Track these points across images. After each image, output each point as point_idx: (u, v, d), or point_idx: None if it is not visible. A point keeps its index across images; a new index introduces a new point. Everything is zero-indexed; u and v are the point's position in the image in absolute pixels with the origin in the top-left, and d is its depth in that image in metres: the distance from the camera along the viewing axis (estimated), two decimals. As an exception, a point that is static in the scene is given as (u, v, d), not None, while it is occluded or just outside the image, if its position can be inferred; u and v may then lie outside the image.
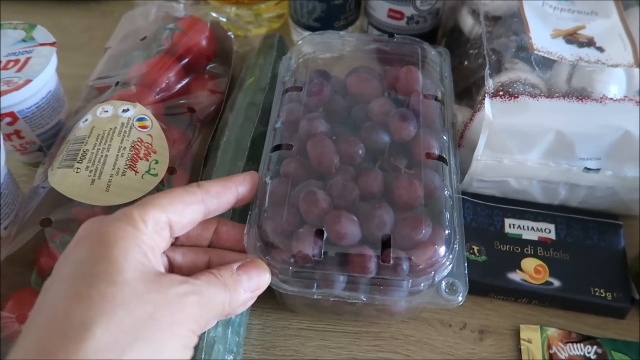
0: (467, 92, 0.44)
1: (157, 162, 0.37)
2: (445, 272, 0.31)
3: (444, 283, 0.31)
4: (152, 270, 0.25)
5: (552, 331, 0.37)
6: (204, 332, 0.32)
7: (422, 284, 0.31)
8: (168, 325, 0.23)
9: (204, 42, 0.46)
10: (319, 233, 0.31)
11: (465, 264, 0.32)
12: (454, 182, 0.35)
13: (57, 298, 0.23)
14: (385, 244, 0.31)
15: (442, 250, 0.31)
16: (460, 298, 0.31)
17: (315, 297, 0.31)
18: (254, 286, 0.29)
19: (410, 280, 0.31)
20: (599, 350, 0.36)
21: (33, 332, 0.22)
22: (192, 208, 0.28)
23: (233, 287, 0.28)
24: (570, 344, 0.37)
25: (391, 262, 0.30)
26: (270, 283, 0.31)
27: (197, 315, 0.25)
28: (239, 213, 0.37)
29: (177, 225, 0.28)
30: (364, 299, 0.31)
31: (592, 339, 0.37)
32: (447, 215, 0.33)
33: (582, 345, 0.37)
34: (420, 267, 0.31)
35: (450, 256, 0.31)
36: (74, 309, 0.22)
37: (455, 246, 0.32)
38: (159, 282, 0.24)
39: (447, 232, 0.32)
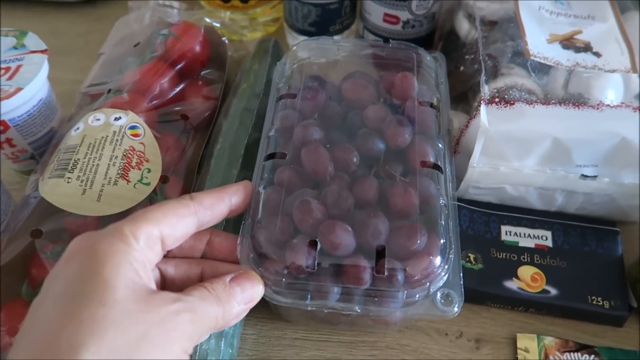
0: (464, 97, 0.44)
1: (149, 170, 0.37)
2: (441, 283, 0.31)
3: (439, 294, 0.31)
4: (144, 288, 0.24)
5: (549, 340, 0.37)
6: (197, 345, 0.31)
7: (417, 295, 0.31)
8: (160, 345, 0.23)
9: (197, 48, 0.46)
10: (313, 243, 0.30)
11: (461, 274, 0.31)
12: (449, 190, 0.34)
13: (46, 319, 0.22)
14: (380, 254, 0.30)
15: (438, 260, 0.31)
16: (456, 309, 0.31)
17: (309, 308, 0.31)
18: (247, 298, 0.29)
19: (405, 292, 0.30)
20: (597, 359, 0.36)
21: (22, 353, 0.22)
22: (185, 221, 0.28)
23: (226, 300, 0.27)
24: (568, 353, 0.36)
25: (386, 273, 0.30)
26: (264, 294, 0.31)
27: (190, 333, 0.25)
28: (232, 223, 0.36)
29: (169, 239, 0.27)
30: (359, 311, 0.31)
31: (589, 348, 0.37)
32: (443, 224, 0.32)
33: (579, 354, 0.36)
34: (416, 277, 0.30)
35: (446, 266, 0.31)
36: (64, 331, 0.21)
37: (450, 256, 0.32)
38: (150, 301, 0.24)
39: (442, 241, 0.31)
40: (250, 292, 0.29)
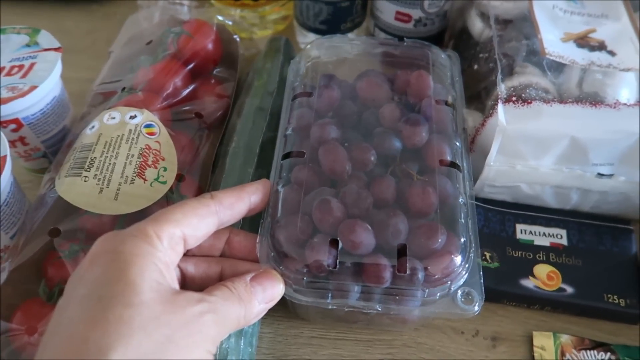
0: (477, 96, 0.44)
1: (165, 169, 0.37)
2: (461, 282, 0.31)
3: (459, 292, 0.31)
4: (168, 289, 0.24)
5: (565, 338, 0.37)
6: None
7: (438, 294, 0.31)
8: (186, 347, 0.23)
9: (210, 46, 0.46)
10: (334, 242, 0.30)
11: (481, 273, 0.31)
12: (467, 188, 0.34)
13: (73, 321, 0.22)
14: (401, 252, 0.30)
15: (458, 259, 0.31)
16: (476, 308, 0.31)
17: (330, 307, 0.31)
18: (268, 297, 0.29)
19: (426, 290, 0.30)
20: (613, 357, 0.36)
21: (49, 353, 0.22)
22: (206, 221, 0.28)
23: (247, 300, 0.27)
24: (584, 351, 0.36)
25: (407, 271, 0.30)
26: (284, 293, 0.31)
27: (213, 334, 0.25)
28: (248, 221, 0.36)
29: (191, 239, 0.27)
30: (379, 309, 0.31)
31: (605, 346, 0.37)
32: (463, 222, 0.32)
33: (595, 352, 0.36)
34: (436, 276, 0.30)
35: (467, 265, 0.31)
36: (91, 334, 0.21)
37: (471, 254, 0.32)
38: (175, 302, 0.24)
39: (462, 240, 0.31)
40: (271, 291, 0.29)
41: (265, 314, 0.37)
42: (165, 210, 0.27)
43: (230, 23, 0.51)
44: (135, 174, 0.35)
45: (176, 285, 0.26)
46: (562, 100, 0.38)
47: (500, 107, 0.37)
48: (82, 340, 0.21)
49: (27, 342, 0.31)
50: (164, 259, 0.25)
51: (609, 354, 0.36)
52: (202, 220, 0.28)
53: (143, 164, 0.36)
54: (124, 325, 0.22)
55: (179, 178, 0.38)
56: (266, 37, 0.54)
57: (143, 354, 0.22)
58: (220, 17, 0.49)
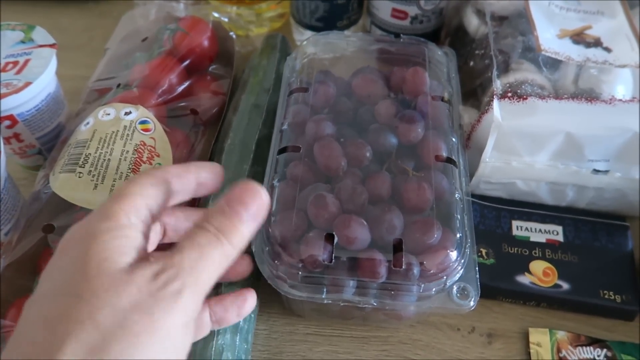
0: (473, 92, 0.44)
1: (160, 165, 0.37)
2: (457, 277, 0.31)
3: (455, 288, 0.31)
4: (124, 269, 0.22)
5: (561, 334, 0.37)
6: (212, 340, 0.31)
7: (434, 289, 0.31)
8: (145, 333, 0.21)
9: (206, 43, 0.46)
10: (329, 237, 0.30)
11: (476, 268, 0.31)
12: (463, 184, 0.34)
13: (33, 317, 0.22)
14: (397, 248, 0.30)
15: (454, 254, 0.31)
16: (472, 303, 0.31)
17: (325, 302, 0.31)
18: (254, 214, 0.25)
19: (422, 285, 0.30)
20: (609, 354, 0.36)
21: (12, 353, 0.21)
22: (160, 188, 0.26)
23: (230, 228, 0.24)
24: (580, 347, 0.36)
25: (403, 266, 0.29)
26: (279, 289, 0.31)
27: (184, 305, 0.22)
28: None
29: (154, 208, 0.26)
30: (375, 304, 0.31)
31: (601, 342, 0.37)
32: (459, 218, 0.32)
33: (591, 348, 0.36)
34: (432, 271, 0.30)
35: (462, 260, 0.31)
36: (45, 331, 0.21)
37: (466, 250, 0.32)
38: (129, 282, 0.22)
39: (458, 235, 0.31)
40: (255, 204, 0.25)
41: (260, 311, 0.38)
42: (125, 185, 0.25)
43: (226, 20, 0.51)
44: (130, 170, 0.35)
45: (145, 254, 0.24)
46: (557, 96, 0.38)
47: (495, 103, 0.37)
48: (37, 337, 0.21)
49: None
50: (131, 233, 0.23)
51: (605, 350, 0.36)
52: (157, 189, 0.26)
53: (138, 160, 0.36)
54: (71, 321, 0.20)
55: (174, 174, 0.37)
56: (262, 34, 0.54)
57: (93, 349, 0.20)
58: (216, 14, 0.49)
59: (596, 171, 0.38)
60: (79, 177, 0.34)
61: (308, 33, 0.53)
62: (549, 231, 0.40)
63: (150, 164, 0.36)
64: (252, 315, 0.35)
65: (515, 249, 0.39)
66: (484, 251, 0.39)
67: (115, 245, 0.23)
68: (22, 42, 0.41)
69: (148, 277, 0.22)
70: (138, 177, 0.26)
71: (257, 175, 0.38)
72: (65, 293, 0.22)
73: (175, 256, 0.23)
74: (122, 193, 0.25)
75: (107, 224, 0.23)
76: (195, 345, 0.31)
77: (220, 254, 0.24)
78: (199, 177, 0.28)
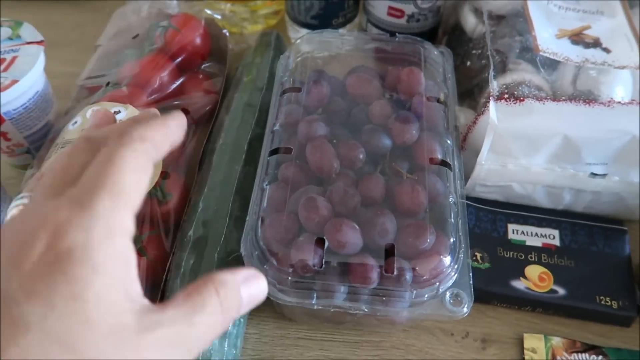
0: (469, 93, 0.43)
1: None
2: (450, 283, 0.30)
3: (448, 294, 0.30)
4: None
5: (556, 340, 0.36)
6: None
7: (426, 295, 0.30)
8: None
9: (198, 40, 0.45)
10: (320, 241, 0.29)
11: (470, 274, 0.31)
12: (458, 187, 0.34)
13: None
14: (389, 252, 0.30)
15: (447, 260, 0.30)
16: (465, 309, 0.30)
17: (315, 307, 0.30)
18: (251, 303, 0.23)
19: (414, 291, 0.30)
20: (605, 360, 0.36)
21: None
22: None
23: (234, 309, 0.22)
24: (575, 354, 0.36)
25: (395, 272, 0.29)
26: (268, 293, 0.30)
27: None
28: (234, 219, 0.36)
29: None
30: (366, 310, 0.30)
31: (597, 348, 0.36)
32: (452, 222, 0.31)
33: (587, 354, 0.36)
34: (425, 277, 0.30)
35: (456, 266, 0.30)
36: None
37: (460, 255, 0.31)
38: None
39: (452, 240, 0.31)
40: (256, 295, 0.23)
41: (251, 314, 0.37)
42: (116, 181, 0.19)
43: (219, 17, 0.50)
44: (118, 171, 0.35)
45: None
46: (555, 98, 0.37)
47: (492, 104, 0.36)
48: None
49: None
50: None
51: (600, 356, 0.36)
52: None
53: (126, 160, 0.35)
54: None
55: (164, 175, 0.37)
56: (257, 32, 0.53)
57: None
58: (208, 11, 0.48)
59: (594, 175, 0.37)
60: (66, 177, 0.34)
61: (303, 31, 0.52)
62: (545, 235, 0.39)
63: (139, 164, 0.36)
64: (242, 320, 0.34)
65: (511, 253, 0.38)
66: (479, 255, 0.38)
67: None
68: (10, 38, 0.40)
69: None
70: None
71: (249, 175, 0.37)
72: None
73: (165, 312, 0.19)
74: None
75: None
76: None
77: (216, 326, 0.21)
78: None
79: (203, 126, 0.43)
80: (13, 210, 0.25)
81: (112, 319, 0.18)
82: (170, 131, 0.22)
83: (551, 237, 0.39)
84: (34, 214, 0.19)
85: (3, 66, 0.38)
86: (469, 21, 0.45)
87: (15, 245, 0.18)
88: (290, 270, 0.30)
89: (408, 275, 0.29)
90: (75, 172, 0.20)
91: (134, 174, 0.20)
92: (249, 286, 0.22)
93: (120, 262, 0.19)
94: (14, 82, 0.37)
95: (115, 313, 0.18)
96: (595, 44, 0.40)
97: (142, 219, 0.34)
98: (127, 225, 0.19)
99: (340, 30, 0.52)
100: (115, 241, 0.19)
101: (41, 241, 0.18)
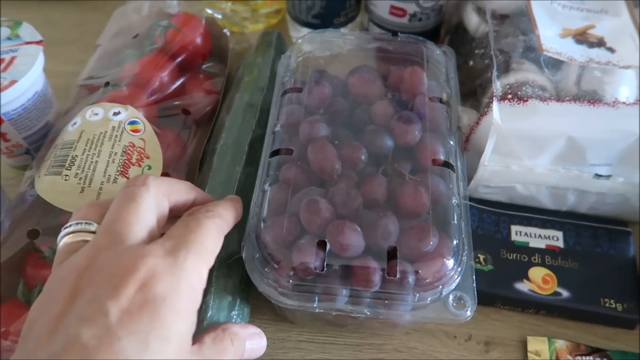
0: (472, 93, 0.42)
1: (150, 167, 0.36)
2: (453, 285, 0.30)
3: (451, 297, 0.30)
4: None
5: (560, 343, 0.36)
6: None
7: (429, 298, 0.30)
8: None
9: (199, 40, 0.45)
10: (321, 244, 0.29)
11: (474, 277, 0.30)
12: (461, 189, 0.33)
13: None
14: (391, 255, 0.29)
15: (451, 262, 0.30)
16: (468, 313, 0.30)
17: (317, 311, 0.30)
18: (250, 353, 0.29)
19: (417, 295, 0.29)
20: (609, 363, 0.35)
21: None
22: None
23: (238, 355, 0.28)
24: (579, 357, 0.35)
25: (397, 275, 0.28)
26: (269, 297, 0.30)
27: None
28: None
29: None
30: (368, 313, 0.30)
31: (601, 352, 0.36)
32: (455, 224, 0.31)
33: (591, 357, 0.35)
34: (427, 280, 0.29)
35: (459, 269, 0.30)
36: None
37: (463, 257, 0.31)
38: None
39: (455, 242, 0.30)
40: (256, 349, 0.29)
41: (252, 317, 0.37)
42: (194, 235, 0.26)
43: (219, 16, 0.50)
44: (118, 173, 0.34)
45: None
46: (559, 98, 0.36)
47: (495, 105, 0.36)
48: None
49: (4, 347, 0.30)
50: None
51: (605, 359, 0.35)
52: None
53: (127, 162, 0.35)
54: None
55: (164, 176, 0.36)
56: (258, 31, 0.53)
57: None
58: (209, 11, 0.48)
59: (598, 176, 0.37)
60: (65, 180, 0.33)
61: (304, 30, 0.52)
62: (549, 237, 0.39)
63: (140, 166, 0.35)
64: (243, 323, 0.34)
65: (514, 255, 0.38)
66: (482, 257, 0.38)
67: None
68: (9, 38, 0.40)
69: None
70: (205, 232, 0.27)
71: (250, 176, 0.37)
72: None
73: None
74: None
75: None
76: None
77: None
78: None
79: (204, 126, 0.42)
80: (65, 238, 0.26)
81: (182, 357, 0.22)
82: (237, 212, 0.30)
83: (555, 238, 0.39)
84: (129, 253, 0.23)
85: (2, 66, 0.38)
86: (472, 20, 0.45)
87: (111, 279, 0.22)
88: (292, 272, 0.29)
89: (411, 278, 0.29)
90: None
91: (213, 241, 0.26)
92: (252, 341, 0.29)
93: (195, 309, 0.24)
94: (13, 82, 0.37)
95: (184, 352, 0.23)
96: (600, 43, 0.40)
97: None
98: (204, 279, 0.25)
99: (342, 30, 0.51)
100: (196, 291, 0.24)
101: (135, 281, 0.21)
